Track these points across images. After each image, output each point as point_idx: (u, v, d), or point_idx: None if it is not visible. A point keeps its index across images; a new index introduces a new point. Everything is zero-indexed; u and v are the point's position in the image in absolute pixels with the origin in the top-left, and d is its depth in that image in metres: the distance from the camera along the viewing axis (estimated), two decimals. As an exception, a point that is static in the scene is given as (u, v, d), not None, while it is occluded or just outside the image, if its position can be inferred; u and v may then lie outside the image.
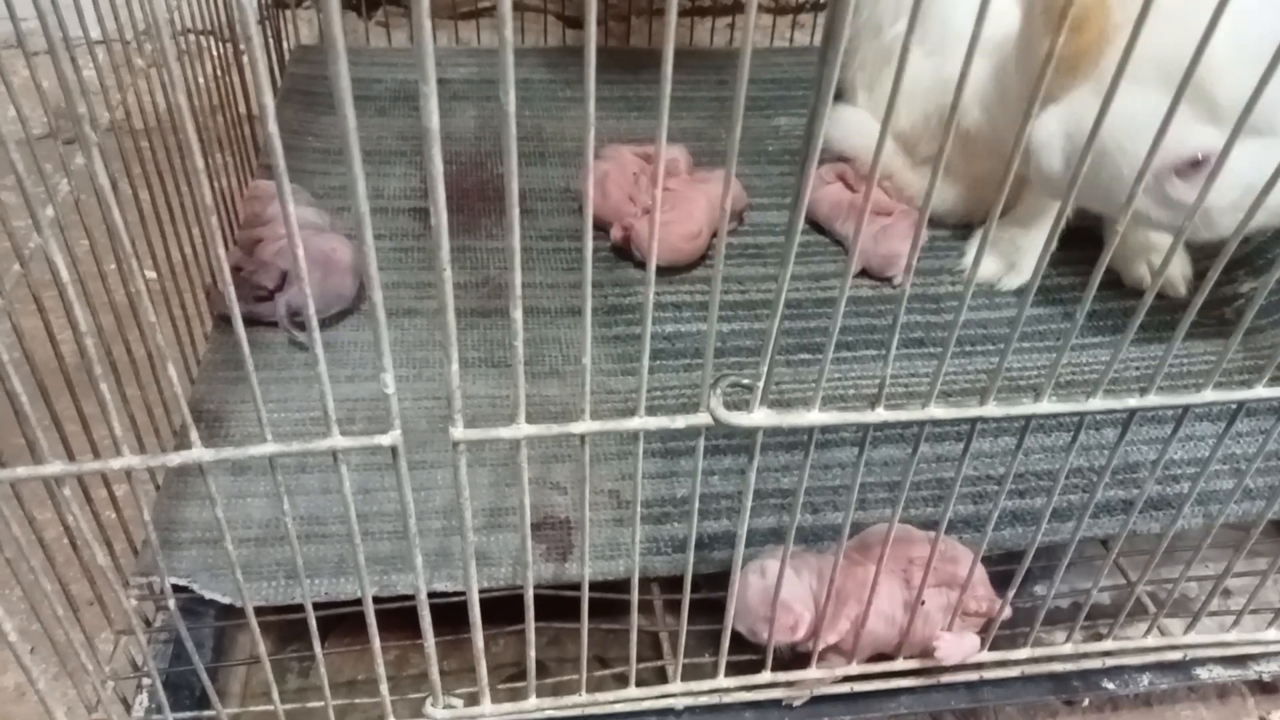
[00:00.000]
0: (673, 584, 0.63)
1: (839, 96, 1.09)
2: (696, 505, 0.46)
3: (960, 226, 0.94)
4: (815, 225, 0.93)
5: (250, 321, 0.77)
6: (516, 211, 0.34)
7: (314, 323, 0.36)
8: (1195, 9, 0.33)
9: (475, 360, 0.75)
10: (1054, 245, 0.42)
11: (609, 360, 0.77)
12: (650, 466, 0.68)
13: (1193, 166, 0.66)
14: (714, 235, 0.90)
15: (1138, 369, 0.80)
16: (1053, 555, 0.69)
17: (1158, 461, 0.51)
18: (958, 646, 0.57)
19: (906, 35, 0.34)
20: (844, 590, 0.56)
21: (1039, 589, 0.71)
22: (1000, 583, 0.64)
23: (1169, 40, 0.37)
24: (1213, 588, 0.60)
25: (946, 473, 0.70)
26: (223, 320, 0.78)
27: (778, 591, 0.52)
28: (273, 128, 0.31)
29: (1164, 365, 0.45)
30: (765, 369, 0.41)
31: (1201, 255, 0.89)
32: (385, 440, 0.40)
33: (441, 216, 0.33)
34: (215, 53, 0.90)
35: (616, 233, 0.86)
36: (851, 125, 0.95)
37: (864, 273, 0.88)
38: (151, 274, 0.68)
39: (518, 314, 0.37)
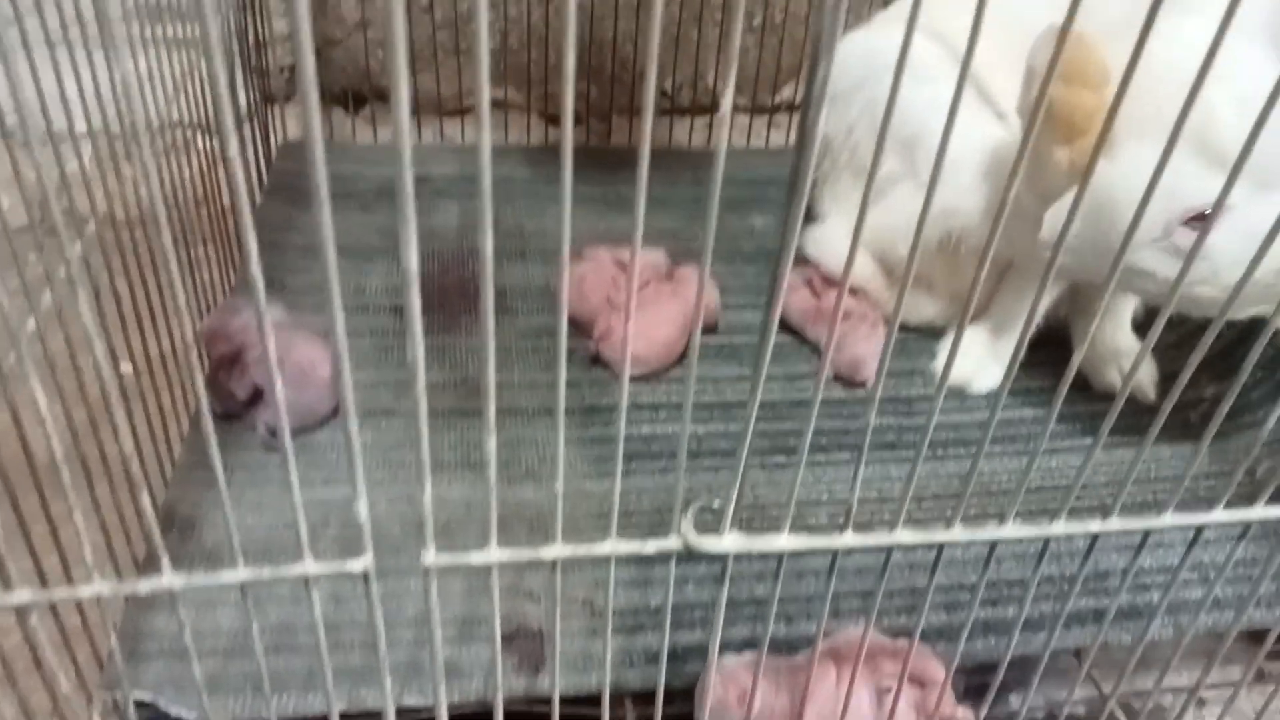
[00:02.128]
0: (646, 698, 0.62)
1: (813, 216, 1.11)
2: (668, 627, 0.46)
3: (935, 331, 0.96)
4: (788, 327, 0.95)
5: (229, 417, 0.77)
6: (491, 322, 0.34)
7: (288, 445, 0.36)
8: (1191, 68, 0.34)
9: (451, 463, 0.75)
10: (1024, 349, 0.43)
11: (585, 463, 0.77)
12: (623, 574, 0.68)
13: (1199, 217, 0.68)
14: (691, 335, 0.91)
15: (1105, 476, 0.81)
16: (1025, 664, 0.69)
17: (1126, 573, 0.51)
18: None
19: (875, 157, 0.35)
20: (812, 694, 0.56)
21: (1013, 698, 0.71)
22: (974, 694, 0.64)
23: (1170, 99, 0.39)
24: (1185, 701, 0.60)
25: (920, 580, 0.70)
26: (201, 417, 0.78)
27: (710, 680, 0.52)
28: (256, 270, 0.32)
29: (1126, 486, 0.46)
30: (735, 493, 0.42)
31: (1170, 358, 0.92)
32: (357, 567, 0.40)
33: (419, 349, 0.34)
34: (202, 147, 0.92)
35: (596, 334, 0.87)
36: (827, 246, 0.97)
37: (835, 376, 0.89)
38: (128, 367, 0.69)
39: (492, 443, 0.37)
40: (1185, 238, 0.69)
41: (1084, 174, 0.37)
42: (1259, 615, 0.69)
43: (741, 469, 0.41)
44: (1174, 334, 0.91)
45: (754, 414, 0.40)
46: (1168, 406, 0.44)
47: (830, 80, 1.10)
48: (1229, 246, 0.67)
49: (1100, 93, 0.69)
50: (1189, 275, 0.72)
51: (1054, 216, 0.74)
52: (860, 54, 0.89)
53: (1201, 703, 0.73)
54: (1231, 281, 0.70)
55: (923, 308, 0.95)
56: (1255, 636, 0.74)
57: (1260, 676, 0.73)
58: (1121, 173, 0.70)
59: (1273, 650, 0.61)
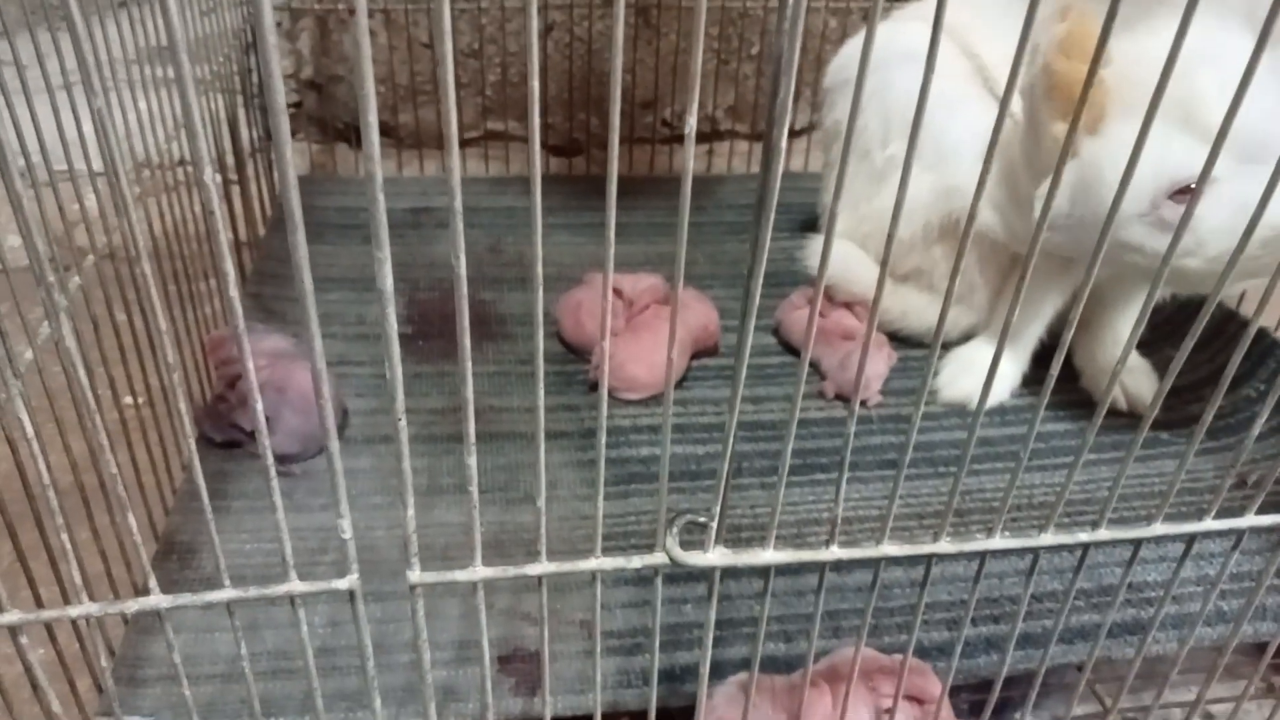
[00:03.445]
0: (645, 717, 0.62)
1: (814, 224, 1.12)
2: (657, 643, 0.46)
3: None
4: (791, 348, 0.95)
5: (233, 445, 0.78)
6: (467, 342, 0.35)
7: (270, 463, 0.37)
8: (1186, 59, 0.35)
9: (450, 487, 0.75)
10: (1000, 357, 0.43)
11: (584, 485, 0.77)
12: (623, 595, 0.68)
13: (1184, 191, 0.69)
14: (692, 358, 0.92)
15: (1145, 487, 0.80)
16: (1033, 681, 0.69)
17: (1118, 588, 0.51)
18: None
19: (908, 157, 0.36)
20: (806, 716, 0.55)
21: (1028, 717, 0.70)
22: (980, 711, 0.63)
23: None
24: (1188, 714, 0.59)
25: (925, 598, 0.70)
26: (203, 444, 0.78)
27: (701, 703, 0.51)
28: (234, 292, 0.33)
29: (1112, 500, 0.45)
30: (718, 509, 0.42)
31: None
32: (343, 585, 0.40)
33: (397, 371, 0.35)
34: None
35: (594, 359, 0.88)
36: (829, 254, 0.98)
37: (838, 395, 0.89)
38: (143, 398, 0.70)
39: (472, 460, 0.38)
40: (1172, 211, 0.70)
41: (1063, 147, 0.37)
42: (1265, 628, 0.68)
43: (724, 482, 0.42)
44: (1177, 349, 0.91)
45: (734, 426, 0.40)
46: (1148, 421, 0.44)
47: (842, 69, 1.11)
48: (1213, 218, 0.68)
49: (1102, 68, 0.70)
50: (1178, 249, 0.73)
51: (1044, 195, 0.75)
52: (873, 43, 0.90)
53: (1211, 717, 0.72)
54: (1217, 253, 0.71)
55: (926, 312, 0.96)
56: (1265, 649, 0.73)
57: (1270, 690, 0.72)
58: (1109, 150, 0.71)
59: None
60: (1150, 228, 0.71)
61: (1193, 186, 0.70)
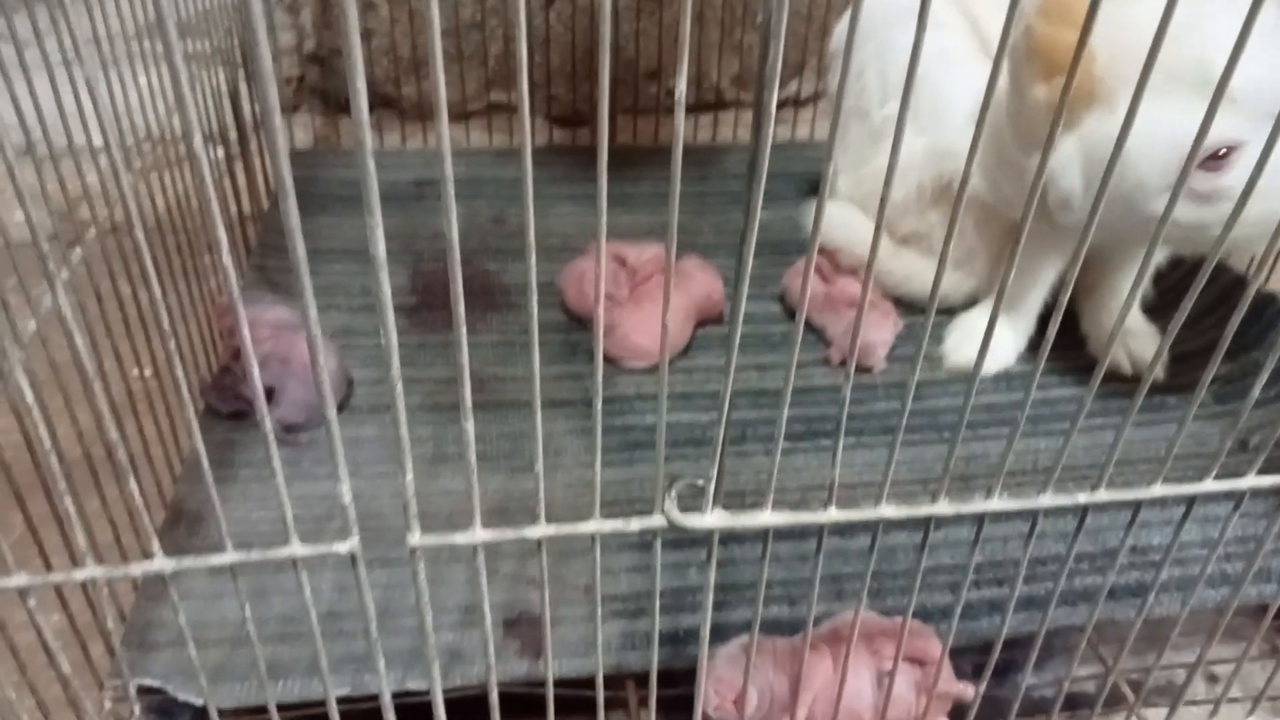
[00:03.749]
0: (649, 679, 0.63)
1: (816, 188, 1.12)
2: (658, 606, 0.46)
3: (941, 311, 0.96)
4: (794, 315, 0.95)
5: (240, 415, 0.78)
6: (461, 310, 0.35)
7: (270, 436, 0.37)
8: (1198, 17, 0.34)
9: (455, 455, 0.76)
10: (995, 323, 0.43)
11: (589, 452, 0.78)
12: (627, 560, 0.68)
13: (1213, 158, 0.67)
14: (697, 326, 0.92)
15: (1149, 452, 0.80)
16: (1043, 643, 0.69)
17: (1119, 550, 0.51)
18: None
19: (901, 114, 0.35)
20: (807, 678, 0.56)
21: (1031, 678, 0.70)
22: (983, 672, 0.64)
23: (1173, 48, 0.38)
24: (1188, 675, 0.59)
25: (927, 560, 0.70)
26: (210, 415, 0.79)
27: (701, 666, 0.52)
28: (228, 260, 0.33)
29: (1110, 462, 0.46)
30: (715, 471, 0.42)
31: (1180, 339, 0.91)
32: (343, 548, 0.41)
33: (392, 336, 0.35)
34: (212, 156, 0.93)
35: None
36: (832, 219, 0.98)
37: (842, 362, 0.89)
38: (150, 370, 0.70)
39: (469, 424, 0.38)
40: (1202, 180, 0.67)
41: (1055, 116, 0.36)
42: (1268, 590, 0.68)
43: (720, 444, 0.42)
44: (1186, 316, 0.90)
45: (729, 388, 0.41)
46: (1147, 381, 0.44)
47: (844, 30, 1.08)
48: (1240, 182, 0.66)
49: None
50: (1209, 218, 0.70)
51: (1056, 172, 0.72)
52: (877, 3, 0.90)
53: (1214, 679, 0.72)
54: (1256, 216, 0.69)
55: (927, 275, 0.95)
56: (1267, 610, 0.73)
57: (1274, 651, 0.72)
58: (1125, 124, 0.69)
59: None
60: (1182, 199, 0.69)
61: (1221, 153, 0.68)
